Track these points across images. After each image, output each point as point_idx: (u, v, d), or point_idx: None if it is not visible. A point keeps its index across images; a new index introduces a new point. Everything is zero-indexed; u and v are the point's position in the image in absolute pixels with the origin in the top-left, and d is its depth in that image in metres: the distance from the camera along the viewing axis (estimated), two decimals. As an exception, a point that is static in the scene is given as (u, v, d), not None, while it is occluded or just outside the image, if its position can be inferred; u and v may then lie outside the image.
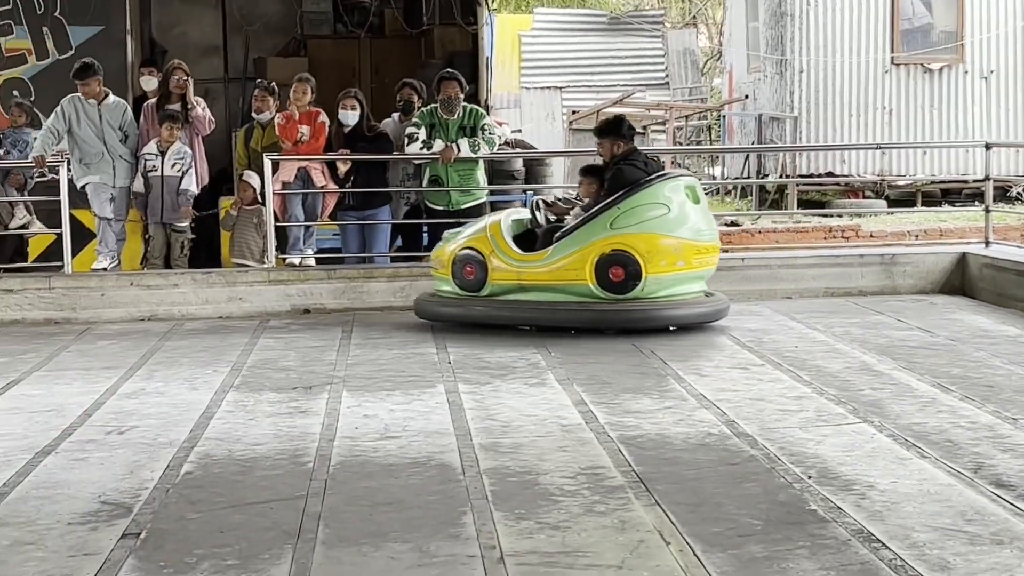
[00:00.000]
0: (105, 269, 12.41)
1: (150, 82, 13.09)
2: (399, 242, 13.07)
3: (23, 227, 12.95)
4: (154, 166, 12.24)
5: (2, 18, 14.24)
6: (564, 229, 10.32)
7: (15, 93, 14.23)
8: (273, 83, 13.16)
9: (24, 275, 12.43)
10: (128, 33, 14.51)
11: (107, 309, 11.82)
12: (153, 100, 12.76)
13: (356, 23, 17.54)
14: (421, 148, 12.05)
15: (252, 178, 12.48)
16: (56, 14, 14.31)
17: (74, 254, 12.39)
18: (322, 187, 12.52)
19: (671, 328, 10.13)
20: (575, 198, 11.00)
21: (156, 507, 5.79)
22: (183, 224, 12.45)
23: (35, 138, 12.98)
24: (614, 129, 10.73)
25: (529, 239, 10.52)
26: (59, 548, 5.26)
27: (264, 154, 12.20)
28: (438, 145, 11.99)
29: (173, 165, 12.22)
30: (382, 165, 12.59)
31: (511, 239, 10.41)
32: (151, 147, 12.29)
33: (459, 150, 12.00)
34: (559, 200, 11.10)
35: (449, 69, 12.82)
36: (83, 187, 12.45)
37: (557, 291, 10.29)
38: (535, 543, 5.14)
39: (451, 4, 16.91)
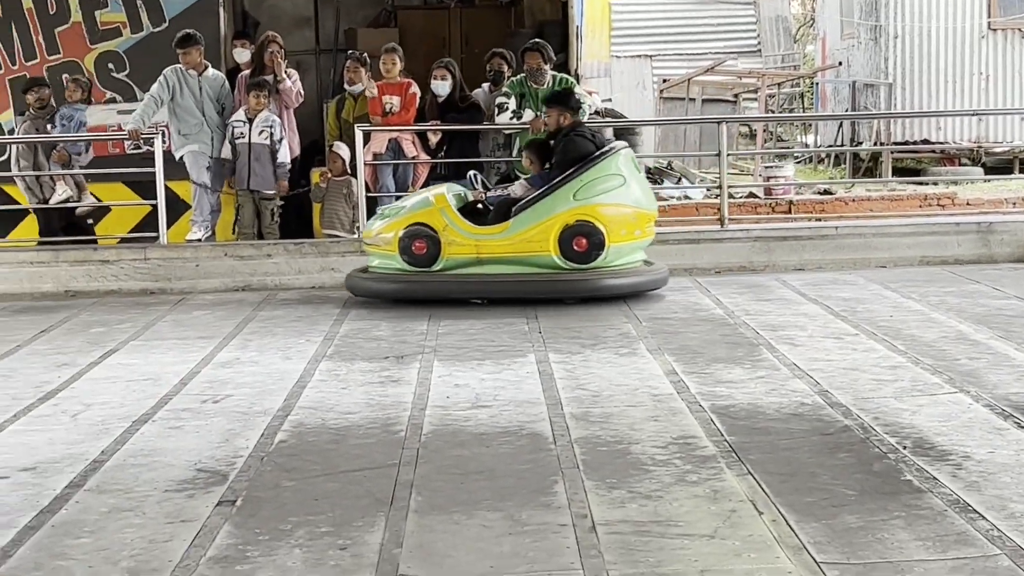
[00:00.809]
0: (199, 240, 12.54)
1: (243, 54, 13.19)
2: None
3: (64, 201, 13.06)
4: (241, 133, 12.32)
5: (98, -8, 14.41)
6: (523, 202, 10.31)
7: (110, 65, 14.37)
8: (364, 54, 13.20)
9: (120, 246, 12.62)
10: (221, 5, 14.57)
11: (202, 279, 11.97)
12: (247, 72, 12.84)
13: (447, -7, 17.56)
14: (511, 118, 12.05)
15: (342, 149, 12.54)
16: (150, -13, 14.44)
17: (169, 225, 12.54)
18: (413, 157, 12.57)
19: (624, 297, 10.35)
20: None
21: (251, 475, 5.86)
22: (271, 192, 12.53)
23: (86, 114, 13.15)
24: (563, 100, 10.84)
25: (471, 213, 10.54)
26: (157, 515, 5.35)
27: (355, 125, 12.26)
28: (528, 115, 11.97)
29: (260, 132, 12.29)
30: (473, 135, 12.60)
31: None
32: (239, 115, 12.38)
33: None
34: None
35: (534, 40, 12.78)
36: (181, 157, 12.57)
37: (517, 263, 10.31)
38: (627, 512, 5.15)
39: (541, -27, 16.87)
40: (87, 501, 5.57)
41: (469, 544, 4.85)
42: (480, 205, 10.62)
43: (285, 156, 12.47)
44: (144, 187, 13.14)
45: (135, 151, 13.28)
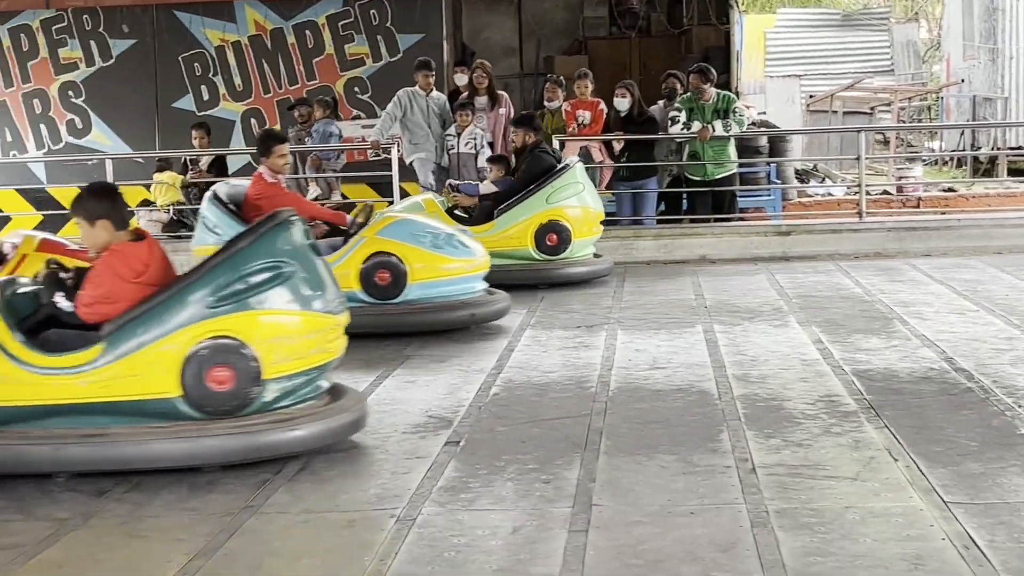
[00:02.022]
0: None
1: (461, 79, 13.31)
2: (663, 207, 13.01)
3: (315, 199, 13.29)
4: (452, 144, 12.46)
5: (346, 28, 14.66)
6: (503, 205, 10.35)
7: (356, 88, 14.65)
8: (560, 77, 13.25)
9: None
10: (444, 39, 14.77)
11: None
12: (464, 93, 12.97)
13: (628, 25, 17.49)
14: (682, 128, 12.01)
15: None
16: (388, 24, 14.64)
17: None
18: (600, 162, 12.58)
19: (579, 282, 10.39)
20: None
21: (471, 421, 5.93)
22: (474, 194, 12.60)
23: (336, 127, 13.37)
24: (528, 122, 10.97)
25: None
26: (397, 452, 5.46)
27: (553, 136, 12.31)
28: (696, 126, 11.91)
29: (466, 144, 12.39)
30: (650, 143, 12.55)
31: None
32: (451, 129, 12.51)
33: (714, 129, 11.90)
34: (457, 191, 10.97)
35: (700, 63, 12.71)
36: (411, 163, 12.76)
37: (500, 256, 10.00)
38: (781, 457, 5.11)
39: (707, 7, 16.72)
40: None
41: (649, 481, 4.86)
42: (457, 210, 10.64)
43: (484, 162, 12.56)
44: (382, 187, 13.38)
45: (375, 158, 13.49)
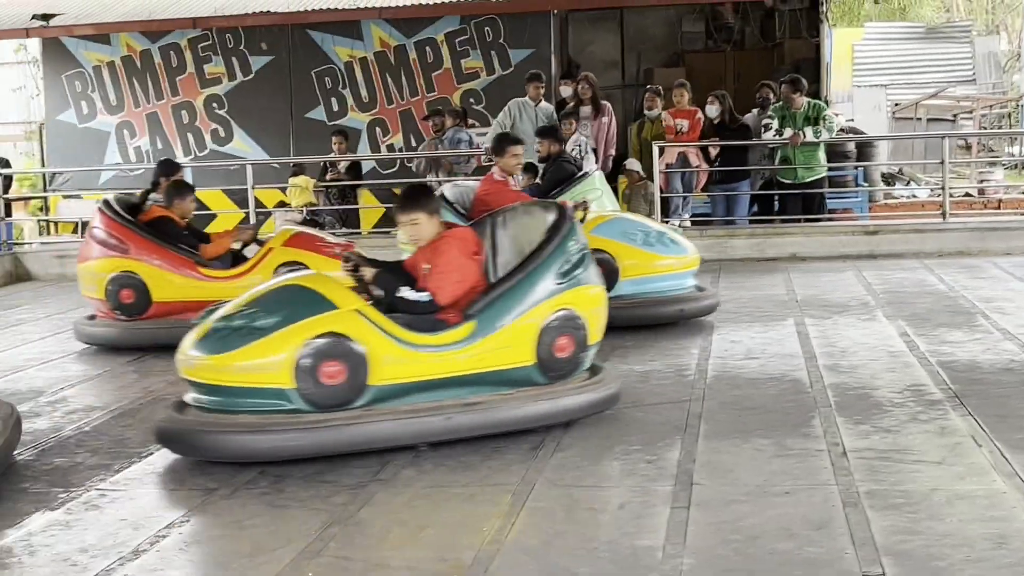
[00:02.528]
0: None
1: (567, 90, 13.31)
2: (755, 208, 12.88)
3: None
4: (558, 150, 12.47)
5: (462, 44, 14.73)
6: None
7: (471, 99, 14.72)
8: (659, 87, 13.19)
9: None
10: (552, 53, 14.77)
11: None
12: (570, 104, 12.97)
13: (723, 39, 17.33)
14: (774, 135, 11.88)
15: (634, 164, 12.54)
16: (500, 40, 14.68)
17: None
18: (696, 167, 12.50)
19: None
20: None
21: (579, 405, 5.92)
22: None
23: (467, 135, 13.44)
24: (553, 133, 10.73)
25: None
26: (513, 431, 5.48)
27: (653, 142, 12.27)
28: (788, 132, 11.79)
29: (571, 150, 12.39)
30: (743, 149, 12.44)
31: None
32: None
33: (805, 136, 11.75)
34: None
35: (791, 74, 12.58)
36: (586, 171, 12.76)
37: None
38: (871, 442, 5.03)
39: (799, 21, 16.49)
40: (460, 421, 5.74)
41: (746, 463, 4.83)
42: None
43: (589, 166, 12.49)
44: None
45: (488, 163, 13.54)
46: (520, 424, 5.30)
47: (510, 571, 3.74)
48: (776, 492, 4.42)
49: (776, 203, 12.60)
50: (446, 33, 14.75)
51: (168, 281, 7.94)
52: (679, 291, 8.20)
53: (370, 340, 5.09)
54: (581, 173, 10.48)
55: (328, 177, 13.61)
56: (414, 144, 14.66)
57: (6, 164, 14.68)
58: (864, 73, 26.26)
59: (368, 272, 5.48)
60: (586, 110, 12.71)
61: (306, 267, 7.69)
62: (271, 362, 4.99)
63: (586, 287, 5.59)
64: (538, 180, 10.63)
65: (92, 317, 8.29)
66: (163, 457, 5.29)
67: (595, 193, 10.38)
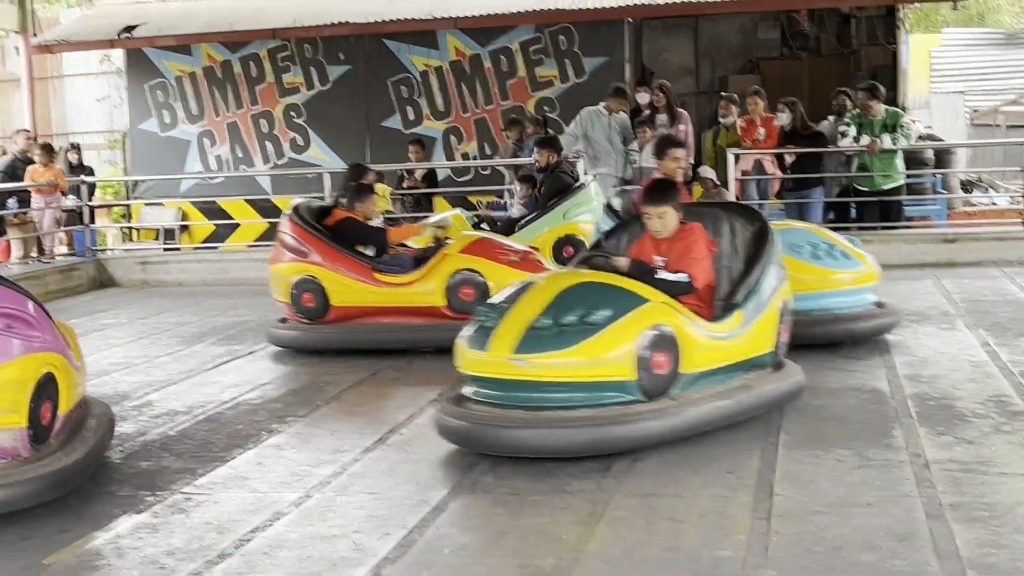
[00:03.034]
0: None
1: (643, 97, 13.27)
2: (832, 216, 12.74)
3: None
4: (634, 158, 12.43)
5: (537, 53, 14.77)
6: (524, 220, 10.33)
7: (545, 107, 14.74)
8: (734, 94, 13.11)
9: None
10: (627, 61, 14.75)
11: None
12: (647, 112, 12.92)
13: (799, 46, 17.17)
14: (851, 142, 11.76)
15: (707, 171, 12.46)
16: (575, 49, 14.70)
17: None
18: (771, 174, 12.40)
19: None
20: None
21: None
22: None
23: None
24: (552, 144, 10.94)
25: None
26: (588, 441, 5.46)
27: (728, 149, 12.20)
28: (865, 139, 11.66)
29: (647, 158, 12.37)
30: (817, 156, 12.33)
31: None
32: (634, 144, 12.47)
33: (882, 143, 11.62)
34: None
35: (868, 81, 12.45)
36: (593, 176, 12.75)
37: None
38: (953, 454, 4.95)
39: (875, 28, 16.32)
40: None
41: (827, 473, 4.77)
42: (484, 224, 10.68)
43: (662, 175, 12.49)
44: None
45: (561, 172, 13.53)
46: (770, 407, 5.67)
47: (590, 580, 3.74)
48: (858, 503, 4.36)
49: (853, 211, 12.47)
50: (521, 42, 14.80)
51: (345, 286, 8.00)
52: (853, 308, 7.55)
53: (682, 330, 5.31)
54: (578, 184, 10.67)
55: (404, 185, 13.70)
56: (488, 152, 14.72)
57: (90, 172, 14.95)
58: (942, 79, 25.86)
59: (621, 261, 5.67)
60: (662, 118, 12.66)
61: (480, 275, 7.82)
62: (616, 355, 5.12)
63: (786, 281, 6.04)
64: (536, 191, 10.74)
65: (283, 320, 8.38)
66: (246, 462, 5.35)
67: (590, 204, 10.55)
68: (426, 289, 7.87)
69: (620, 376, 5.12)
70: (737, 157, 12.15)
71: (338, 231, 8.22)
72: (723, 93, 13.87)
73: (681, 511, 4.40)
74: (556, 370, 5.13)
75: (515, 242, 8.76)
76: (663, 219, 5.73)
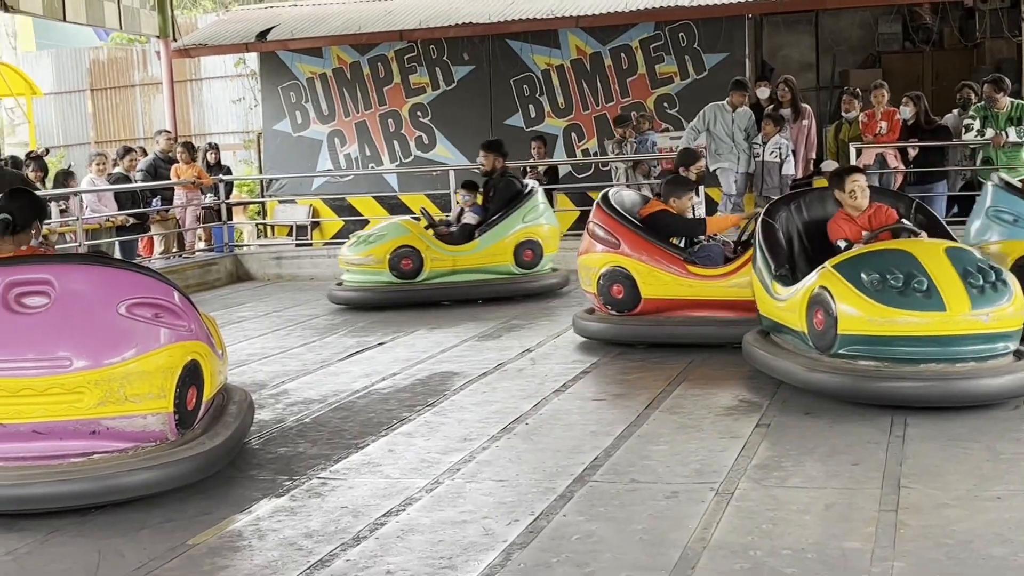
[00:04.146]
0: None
1: (763, 92, 13.09)
2: (956, 209, 12.41)
3: None
4: (757, 153, 12.27)
5: (657, 50, 14.65)
6: (484, 224, 10.36)
7: (665, 104, 14.63)
8: (857, 89, 12.85)
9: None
10: (747, 57, 14.55)
11: (731, 261, 11.95)
12: (768, 106, 12.75)
13: (921, 40, 16.74)
14: (976, 135, 11.45)
15: (830, 165, 12.22)
16: (695, 45, 14.54)
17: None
18: (894, 168, 12.12)
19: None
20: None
21: (778, 406, 5.82)
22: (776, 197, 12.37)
23: (654, 139, 13.35)
24: (498, 148, 10.76)
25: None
26: (712, 432, 5.42)
27: (850, 143, 11.97)
28: (990, 133, 11.33)
29: (771, 152, 12.18)
30: (940, 150, 12.02)
31: None
32: (758, 139, 12.30)
33: (1007, 136, 11.28)
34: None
35: (993, 74, 12.11)
36: (715, 171, 12.65)
37: (483, 272, 10.32)
38: (1087, 449, 4.79)
39: (1000, 20, 15.81)
40: (662, 419, 5.71)
41: (955, 466, 4.66)
42: (433, 229, 10.56)
43: (789, 170, 12.28)
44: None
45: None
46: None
47: (717, 569, 3.69)
48: (987, 497, 4.24)
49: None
50: (641, 40, 14.70)
51: (656, 278, 7.73)
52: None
53: None
54: (528, 190, 10.64)
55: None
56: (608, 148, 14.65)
57: (227, 171, 15.30)
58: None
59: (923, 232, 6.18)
60: (785, 112, 12.49)
61: None
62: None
63: None
64: (479, 194, 10.64)
65: (590, 311, 8.17)
66: (378, 449, 5.42)
67: (542, 208, 10.65)
68: (741, 282, 7.37)
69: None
70: (859, 151, 11.89)
71: (652, 222, 7.95)
72: (845, 87, 13.59)
73: (807, 502, 4.32)
74: (1007, 321, 5.57)
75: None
76: (865, 193, 6.36)
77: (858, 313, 5.61)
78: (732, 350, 7.00)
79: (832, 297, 5.73)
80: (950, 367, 5.50)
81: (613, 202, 8.07)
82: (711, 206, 13.02)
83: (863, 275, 5.68)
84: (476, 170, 14.72)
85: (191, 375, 5.01)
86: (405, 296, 10.25)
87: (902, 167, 12.13)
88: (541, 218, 10.62)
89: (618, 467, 4.91)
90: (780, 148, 12.15)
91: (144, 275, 5.05)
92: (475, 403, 6.32)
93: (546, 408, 6.08)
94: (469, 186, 10.81)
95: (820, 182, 12.57)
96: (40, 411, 4.67)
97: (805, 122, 12.60)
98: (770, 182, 12.25)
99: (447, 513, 4.41)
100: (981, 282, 5.57)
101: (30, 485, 4.56)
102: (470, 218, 10.59)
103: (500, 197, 10.58)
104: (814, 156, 12.83)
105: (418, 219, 10.90)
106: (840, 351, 5.73)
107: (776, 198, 11.82)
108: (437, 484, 4.80)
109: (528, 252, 10.48)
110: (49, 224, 11.08)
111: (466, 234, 10.52)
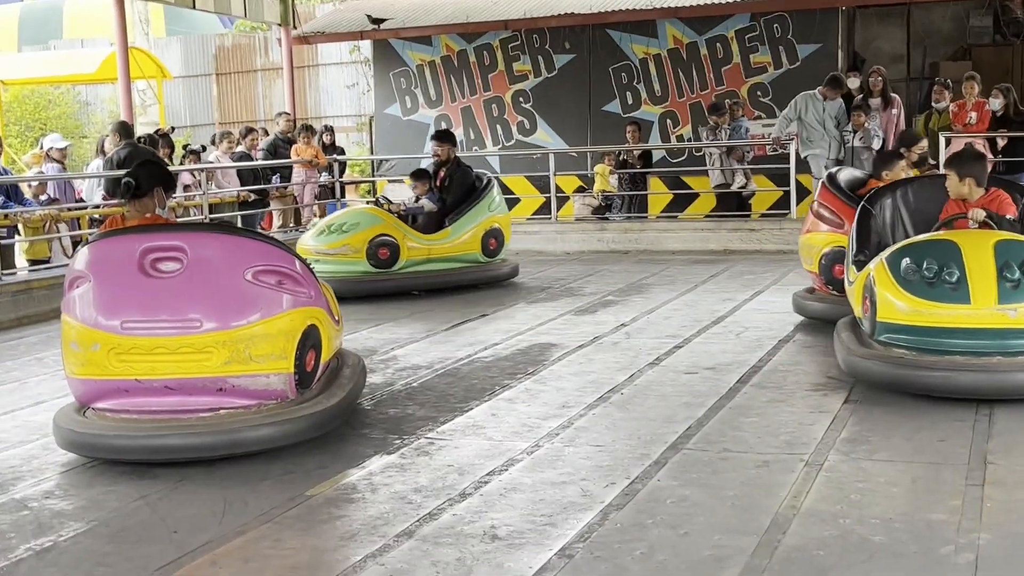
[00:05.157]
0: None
1: (854, 82, 12.85)
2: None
3: (742, 188, 13.13)
4: (847, 140, 12.06)
5: (751, 40, 14.43)
6: (454, 213, 10.01)
7: (758, 93, 14.42)
8: (947, 80, 12.55)
9: (763, 219, 12.70)
10: (839, 48, 14.26)
11: (820, 244, 11.78)
12: (859, 96, 12.51)
13: (1012, 33, 16.24)
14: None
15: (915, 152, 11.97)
16: (788, 36, 14.29)
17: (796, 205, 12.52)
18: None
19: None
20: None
21: (867, 384, 5.65)
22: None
23: (747, 125, 13.16)
24: (451, 138, 10.46)
25: None
26: (802, 406, 5.36)
27: (939, 133, 11.69)
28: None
29: (860, 139, 11.96)
30: (1027, 139, 11.72)
31: None
32: (848, 127, 12.08)
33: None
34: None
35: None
36: (805, 157, 12.47)
37: (454, 260, 9.96)
38: None
39: (1093, 14, 15.30)
40: (752, 393, 5.66)
41: (1041, 446, 4.55)
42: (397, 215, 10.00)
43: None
44: (779, 178, 13.12)
45: (773, 153, 13.28)
46: None
47: (807, 535, 3.65)
48: (1074, 476, 4.13)
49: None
50: (736, 30, 14.49)
51: None
52: None
53: None
54: (486, 180, 10.37)
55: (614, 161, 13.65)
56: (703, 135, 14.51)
57: (341, 152, 15.48)
58: None
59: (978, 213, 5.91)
60: (875, 102, 12.27)
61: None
62: None
63: None
64: (435, 186, 10.17)
65: (811, 291, 7.79)
66: (481, 412, 5.47)
67: (500, 197, 10.38)
68: None
69: None
70: (948, 141, 11.62)
71: None
72: (936, 78, 13.27)
73: (894, 475, 4.25)
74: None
75: None
76: (966, 186, 6.07)
77: (891, 301, 5.45)
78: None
79: (875, 283, 5.59)
80: (973, 359, 5.22)
81: (840, 182, 7.69)
82: (802, 193, 12.83)
83: (903, 263, 5.50)
84: (574, 154, 14.85)
85: (310, 338, 5.10)
86: (381, 286, 9.63)
87: (991, 156, 11.82)
88: (500, 207, 10.42)
89: (710, 436, 4.88)
90: (871, 136, 11.94)
91: (269, 244, 5.14)
92: (572, 373, 6.33)
93: (640, 379, 6.06)
94: (420, 175, 10.33)
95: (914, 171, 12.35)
96: (172, 368, 4.79)
97: (894, 111, 12.36)
98: (859, 167, 12.03)
99: (547, 474, 4.43)
100: (1017, 277, 5.28)
101: (162, 437, 4.69)
102: (429, 205, 10.06)
103: (458, 185, 10.19)
104: (902, 147, 12.53)
105: (380, 204, 10.26)
106: (880, 338, 5.56)
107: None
108: (537, 447, 4.82)
109: (492, 241, 10.20)
110: (176, 198, 11.32)
111: (434, 222, 10.02)
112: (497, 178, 15.24)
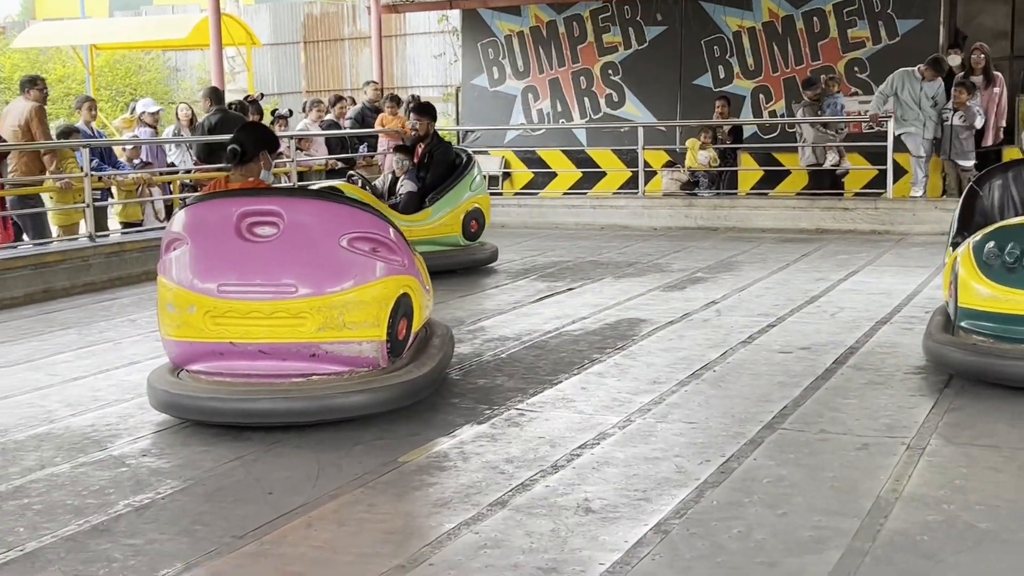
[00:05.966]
0: (916, 197, 12.14)
1: (955, 59, 12.57)
2: None
3: (835, 166, 12.90)
4: (947, 117, 11.79)
5: (850, 14, 14.14)
6: (434, 193, 9.51)
7: (855, 68, 14.13)
8: (1055, 58, 12.21)
9: (857, 198, 12.49)
10: (941, 24, 13.92)
11: (916, 225, 11.60)
12: (960, 73, 12.22)
13: (1124, 9, 15.74)
14: None
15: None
16: (888, 11, 13.97)
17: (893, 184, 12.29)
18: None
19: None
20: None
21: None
22: (967, 163, 11.88)
23: (842, 102, 12.93)
24: (431, 111, 9.85)
25: None
26: (901, 389, 5.26)
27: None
28: None
29: (961, 118, 11.67)
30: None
31: None
32: (948, 105, 11.80)
33: None
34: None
35: None
36: (900, 135, 12.22)
37: (434, 243, 9.35)
38: None
39: None
40: (849, 374, 5.58)
41: None
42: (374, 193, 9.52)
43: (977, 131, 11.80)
44: (875, 157, 12.87)
45: (869, 130, 13.02)
46: None
47: (910, 519, 3.59)
48: None
49: None
50: (834, 3, 14.21)
51: None
52: None
53: None
54: (467, 158, 9.94)
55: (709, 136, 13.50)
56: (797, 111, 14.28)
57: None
58: None
59: None
60: (977, 80, 11.95)
61: None
62: None
63: None
64: (413, 163, 9.65)
65: None
66: (571, 386, 5.46)
67: (480, 177, 9.99)
68: None
69: None
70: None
71: None
72: (1041, 56, 12.92)
73: (999, 461, 4.16)
74: None
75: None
76: None
77: (972, 286, 5.28)
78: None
79: (959, 267, 5.43)
80: None
81: None
82: (899, 172, 12.58)
83: (986, 247, 5.28)
84: (663, 129, 14.71)
85: (402, 307, 5.13)
86: None
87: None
88: (481, 187, 9.99)
89: (807, 417, 4.81)
90: (973, 114, 11.67)
91: (364, 211, 5.16)
92: (663, 349, 6.29)
93: (733, 357, 6.00)
94: (405, 150, 9.84)
95: (1012, 152, 12.06)
96: (266, 332, 4.84)
97: (996, 89, 12.05)
98: (958, 147, 11.79)
99: (640, 449, 4.41)
100: None
101: (256, 400, 4.75)
102: (409, 186, 9.52)
103: (439, 164, 9.62)
104: (1004, 124, 12.24)
105: (353, 181, 9.62)
106: (961, 324, 5.39)
107: (967, 163, 11.45)
108: (629, 422, 4.80)
109: (474, 223, 9.76)
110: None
111: (414, 203, 9.48)
112: (583, 151, 15.38)
